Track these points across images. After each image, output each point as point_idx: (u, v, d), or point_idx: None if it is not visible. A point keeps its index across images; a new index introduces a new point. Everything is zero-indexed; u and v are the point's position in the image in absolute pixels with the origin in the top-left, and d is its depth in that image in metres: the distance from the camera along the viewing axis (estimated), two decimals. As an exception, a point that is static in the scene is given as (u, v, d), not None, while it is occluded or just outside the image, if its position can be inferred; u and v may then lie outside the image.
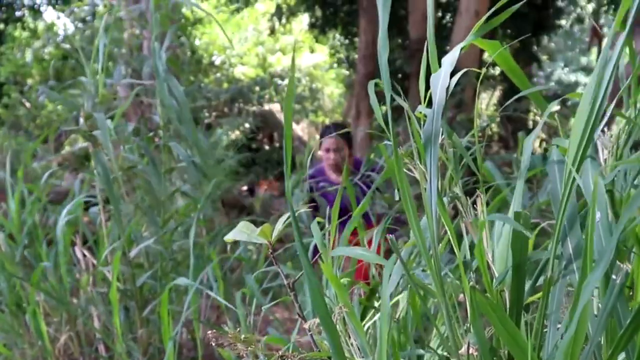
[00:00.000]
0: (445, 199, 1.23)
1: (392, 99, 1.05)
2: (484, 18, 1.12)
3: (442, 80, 0.98)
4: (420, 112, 1.13)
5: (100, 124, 3.07)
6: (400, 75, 10.90)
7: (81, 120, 3.30)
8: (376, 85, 1.19)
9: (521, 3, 1.15)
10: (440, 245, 1.30)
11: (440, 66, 1.06)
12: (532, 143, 1.25)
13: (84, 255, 3.72)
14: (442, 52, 1.08)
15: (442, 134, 1.18)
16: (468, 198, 1.27)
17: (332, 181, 5.26)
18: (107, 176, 3.03)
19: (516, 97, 1.42)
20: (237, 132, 12.14)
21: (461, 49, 1.07)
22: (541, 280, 1.19)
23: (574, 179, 0.99)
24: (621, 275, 0.92)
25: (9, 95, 11.64)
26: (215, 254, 3.51)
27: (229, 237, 1.34)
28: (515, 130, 10.11)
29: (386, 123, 1.10)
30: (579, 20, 12.16)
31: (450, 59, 1.03)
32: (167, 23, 3.77)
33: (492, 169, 2.22)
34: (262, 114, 12.99)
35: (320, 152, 5.35)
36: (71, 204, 3.48)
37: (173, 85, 3.32)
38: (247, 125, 12.14)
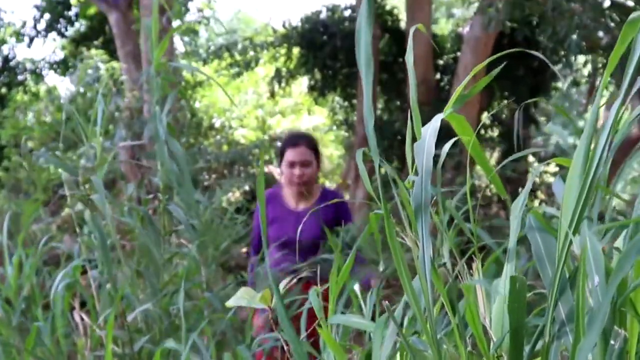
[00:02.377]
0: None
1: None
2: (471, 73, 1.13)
3: (426, 149, 0.98)
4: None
5: (98, 188, 3.08)
6: (399, 138, 10.95)
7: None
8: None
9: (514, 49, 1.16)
10: (435, 308, 1.29)
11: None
12: (522, 206, 1.25)
13: (82, 319, 3.69)
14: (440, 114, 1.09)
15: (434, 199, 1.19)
16: (463, 264, 1.27)
17: (290, 209, 4.11)
18: (104, 241, 3.03)
19: (513, 157, 1.42)
20: (237, 194, 12.14)
21: (456, 106, 1.08)
22: (540, 344, 1.18)
23: (570, 241, 0.98)
24: (619, 341, 0.91)
25: (9, 158, 11.67)
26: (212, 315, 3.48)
27: (230, 303, 1.34)
28: (514, 191, 10.10)
29: (376, 192, 1.10)
30: (575, 83, 12.27)
31: (432, 128, 1.04)
32: (168, 87, 3.81)
33: (484, 236, 2.20)
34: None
35: (279, 170, 4.18)
36: (69, 267, 3.46)
37: (173, 148, 3.33)
38: (246, 187, 12.15)
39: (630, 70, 0.93)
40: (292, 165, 3.99)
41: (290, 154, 3.99)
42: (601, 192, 1.24)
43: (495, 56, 1.08)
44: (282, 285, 1.49)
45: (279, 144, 15.41)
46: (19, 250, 3.63)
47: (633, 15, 0.94)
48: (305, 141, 4.07)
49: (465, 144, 1.26)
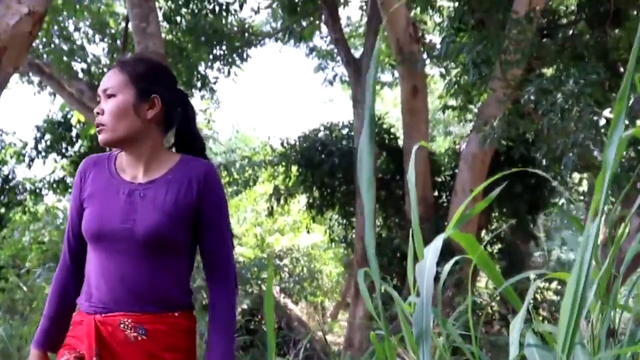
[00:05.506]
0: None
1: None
2: (474, 192, 1.12)
3: (427, 271, 0.96)
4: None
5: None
6: (399, 255, 10.90)
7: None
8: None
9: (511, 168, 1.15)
10: None
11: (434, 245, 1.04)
12: (521, 322, 1.21)
13: None
14: (439, 232, 1.07)
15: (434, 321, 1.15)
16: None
17: (121, 181, 2.48)
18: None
19: (516, 278, 1.39)
20: (235, 314, 11.99)
21: (455, 228, 1.05)
22: None
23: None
24: None
25: (6, 279, 11.58)
26: None
27: None
28: (516, 309, 9.98)
29: (377, 311, 1.07)
30: (571, 201, 12.32)
31: (434, 248, 1.02)
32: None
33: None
34: (260, 295, 12.88)
35: None
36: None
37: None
38: (245, 306, 12.01)
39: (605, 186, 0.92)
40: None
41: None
42: (611, 307, 1.20)
43: (494, 177, 1.07)
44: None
45: (278, 262, 15.43)
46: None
47: (623, 134, 0.93)
48: (123, 63, 2.48)
49: (476, 261, 1.23)
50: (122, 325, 2.31)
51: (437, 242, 1.03)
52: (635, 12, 9.19)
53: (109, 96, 2.39)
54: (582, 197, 12.12)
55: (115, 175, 2.46)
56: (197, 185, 2.41)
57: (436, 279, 1.05)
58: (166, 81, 2.52)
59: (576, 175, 10.82)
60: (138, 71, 2.43)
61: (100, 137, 2.40)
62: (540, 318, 10.73)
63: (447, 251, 1.14)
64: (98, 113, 2.41)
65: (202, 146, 2.61)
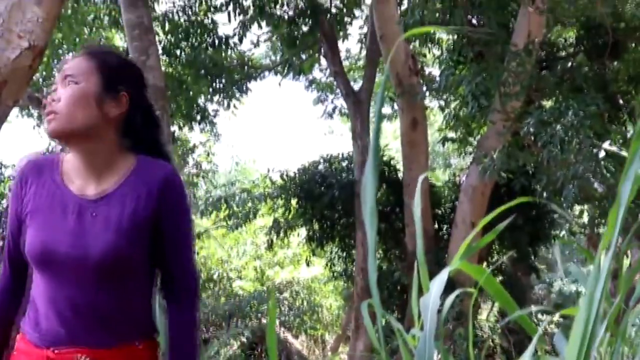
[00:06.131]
0: None
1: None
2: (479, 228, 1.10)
3: (432, 305, 0.94)
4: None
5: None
6: (399, 287, 10.85)
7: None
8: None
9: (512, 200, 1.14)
10: None
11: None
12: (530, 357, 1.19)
13: None
14: (439, 264, 1.05)
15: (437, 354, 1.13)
16: None
17: (70, 194, 2.09)
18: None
19: (518, 314, 1.37)
20: (235, 347, 11.91)
21: (455, 264, 1.04)
22: None
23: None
24: None
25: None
26: None
27: None
28: (517, 342, 9.92)
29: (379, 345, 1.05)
30: (572, 233, 12.30)
31: (439, 281, 1.00)
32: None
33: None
34: (260, 328, 12.82)
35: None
36: None
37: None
38: (244, 339, 11.94)
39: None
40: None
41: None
42: (620, 341, 1.18)
43: (497, 211, 1.06)
44: None
45: (278, 295, 15.35)
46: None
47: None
48: (92, 51, 2.19)
49: (488, 289, 1.22)
50: None
51: (443, 276, 1.02)
52: (633, 44, 9.24)
53: (70, 82, 2.06)
54: (582, 229, 12.10)
55: (62, 187, 2.09)
56: (157, 193, 2.09)
57: (438, 311, 1.03)
58: (137, 81, 2.22)
59: (577, 207, 10.79)
60: (108, 62, 2.14)
61: (51, 126, 2.03)
62: (543, 351, 10.65)
63: (448, 284, 1.13)
64: (53, 100, 2.05)
65: (161, 150, 2.24)
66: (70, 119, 2.02)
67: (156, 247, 2.11)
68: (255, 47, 14.41)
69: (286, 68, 13.95)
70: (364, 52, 13.66)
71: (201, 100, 13.26)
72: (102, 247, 2.00)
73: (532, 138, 7.70)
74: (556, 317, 10.74)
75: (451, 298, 1.05)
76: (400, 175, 11.80)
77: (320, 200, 11.81)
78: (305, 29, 12.74)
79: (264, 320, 13.60)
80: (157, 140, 2.24)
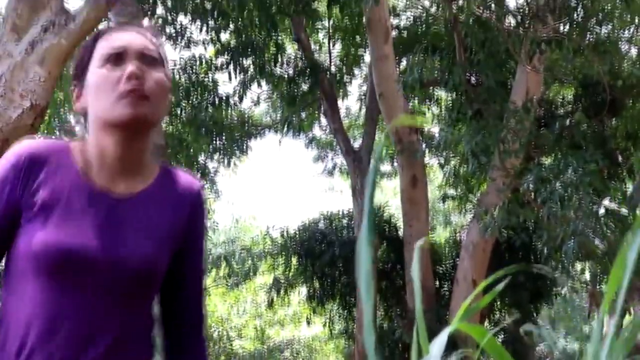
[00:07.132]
0: None
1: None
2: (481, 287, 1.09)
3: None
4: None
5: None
6: (401, 345, 10.73)
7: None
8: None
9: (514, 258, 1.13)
10: None
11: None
12: None
13: None
14: (441, 321, 1.04)
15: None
16: None
17: (95, 191, 1.67)
18: None
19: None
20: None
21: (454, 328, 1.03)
22: None
23: None
24: None
25: None
26: None
27: None
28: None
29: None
30: (574, 290, 12.22)
31: (439, 343, 0.99)
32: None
33: None
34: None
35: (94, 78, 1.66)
36: None
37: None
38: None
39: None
40: (116, 60, 1.64)
41: (110, 42, 1.68)
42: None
43: (499, 273, 1.05)
44: None
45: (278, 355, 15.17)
46: None
47: None
48: (140, 26, 1.81)
49: (489, 350, 1.20)
50: None
51: (443, 337, 1.00)
52: (631, 101, 9.31)
53: (151, 63, 1.67)
54: (584, 286, 12.02)
55: (82, 179, 1.66)
56: (189, 208, 1.77)
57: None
58: None
59: (578, 264, 10.75)
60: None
61: (141, 111, 1.61)
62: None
63: (449, 342, 1.11)
64: (137, 76, 1.61)
65: None
66: (160, 108, 1.69)
67: (171, 268, 1.74)
68: (255, 105, 14.52)
69: (286, 126, 14.04)
70: (363, 110, 13.77)
71: (201, 158, 13.30)
72: (142, 252, 1.64)
73: (532, 194, 7.71)
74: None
75: (454, 358, 1.04)
76: (400, 232, 11.78)
77: (320, 258, 11.77)
78: (305, 87, 12.85)
79: None
80: None
